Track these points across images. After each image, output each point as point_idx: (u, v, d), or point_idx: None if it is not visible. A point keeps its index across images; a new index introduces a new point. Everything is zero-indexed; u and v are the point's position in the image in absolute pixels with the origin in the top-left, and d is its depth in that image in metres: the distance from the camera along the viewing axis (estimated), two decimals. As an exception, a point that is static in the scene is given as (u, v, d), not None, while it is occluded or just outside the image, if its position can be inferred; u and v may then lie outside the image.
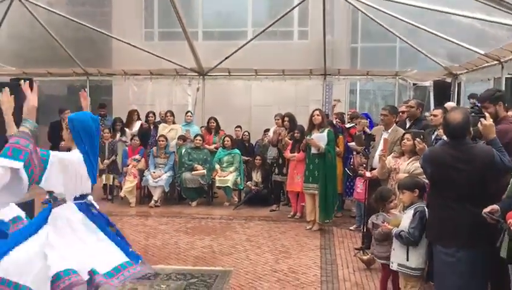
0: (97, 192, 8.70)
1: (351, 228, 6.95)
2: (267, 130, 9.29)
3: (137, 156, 8.81)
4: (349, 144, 7.58)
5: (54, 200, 3.07)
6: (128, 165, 8.71)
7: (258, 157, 8.65)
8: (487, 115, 3.52)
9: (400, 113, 6.41)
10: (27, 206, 4.42)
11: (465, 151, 3.33)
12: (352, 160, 7.25)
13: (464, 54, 8.07)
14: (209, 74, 10.76)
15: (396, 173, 4.99)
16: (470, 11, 6.43)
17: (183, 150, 8.80)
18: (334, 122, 7.99)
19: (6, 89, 3.03)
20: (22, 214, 3.68)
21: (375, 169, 5.60)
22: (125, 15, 13.35)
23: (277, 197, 8.39)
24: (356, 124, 7.60)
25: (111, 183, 8.92)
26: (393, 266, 3.97)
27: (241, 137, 9.56)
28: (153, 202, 8.45)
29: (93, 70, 11.08)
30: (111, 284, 2.94)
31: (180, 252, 5.87)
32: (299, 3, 9.16)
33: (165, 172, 8.63)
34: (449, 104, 6.48)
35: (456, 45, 7.72)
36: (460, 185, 3.29)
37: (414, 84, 10.27)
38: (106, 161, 8.69)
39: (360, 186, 6.60)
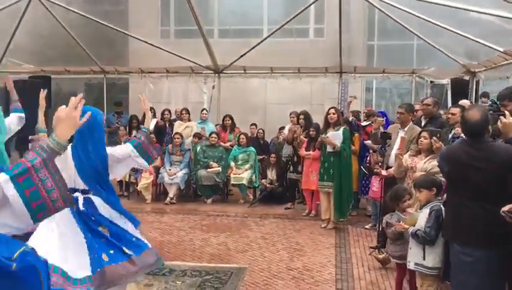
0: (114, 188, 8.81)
1: (367, 226, 6.91)
2: (282, 128, 9.29)
3: (153, 154, 8.86)
4: (365, 142, 7.54)
5: None
6: (144, 162, 8.75)
7: (273, 155, 8.65)
8: (507, 113, 3.46)
9: (415, 112, 6.35)
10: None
11: (484, 150, 3.28)
12: (368, 158, 7.21)
13: (483, 51, 7.97)
14: (224, 72, 10.79)
15: (413, 172, 4.95)
16: (489, 8, 6.34)
17: (199, 148, 8.84)
18: (350, 119, 7.94)
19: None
20: None
21: (391, 167, 5.56)
22: (142, 13, 13.44)
23: (292, 195, 8.38)
24: (372, 122, 7.56)
25: (127, 180, 9.01)
26: (410, 265, 3.94)
27: (256, 135, 9.56)
28: (168, 199, 8.50)
29: (110, 68, 11.19)
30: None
31: (195, 249, 5.91)
32: (315, 1, 9.12)
33: (181, 169, 8.68)
34: (464, 102, 6.40)
35: (474, 42, 7.62)
36: (478, 184, 3.25)
37: (431, 82, 10.17)
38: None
39: (375, 184, 6.56)
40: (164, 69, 10.89)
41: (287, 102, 11.12)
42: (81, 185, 3.28)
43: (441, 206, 3.77)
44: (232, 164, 8.76)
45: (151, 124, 9.45)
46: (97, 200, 3.31)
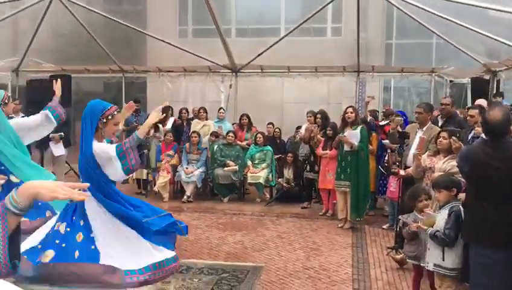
0: (131, 186, 8.92)
1: (384, 226, 6.86)
2: (298, 127, 9.27)
3: (170, 152, 8.94)
4: (383, 141, 7.48)
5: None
6: (161, 161, 8.85)
7: (290, 155, 8.64)
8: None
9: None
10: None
11: (505, 150, 3.24)
12: (386, 158, 7.15)
13: (504, 50, 7.85)
14: (241, 71, 10.82)
15: (431, 172, 4.90)
16: (510, 7, 6.24)
17: (216, 147, 8.88)
18: (368, 119, 7.89)
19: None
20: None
21: (409, 167, 5.52)
22: (160, 13, 13.56)
23: (308, 194, 8.36)
24: (390, 122, 7.50)
25: (144, 178, 9.09)
26: (429, 266, 3.91)
27: (272, 134, 9.56)
28: (185, 197, 8.56)
29: (129, 67, 11.30)
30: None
31: (212, 247, 5.94)
32: (333, 0, 9.08)
33: (198, 168, 8.73)
34: (480, 102, 6.32)
35: (495, 41, 7.51)
36: (498, 185, 3.21)
37: (451, 81, 10.05)
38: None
39: (393, 184, 6.51)
40: (182, 68, 10.96)
41: (304, 101, 11.11)
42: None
43: (460, 207, 3.73)
44: (249, 162, 8.78)
45: (168, 122, 9.60)
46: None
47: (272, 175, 8.71)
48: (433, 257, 3.86)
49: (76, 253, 3.16)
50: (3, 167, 3.86)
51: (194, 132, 8.97)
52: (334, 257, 5.61)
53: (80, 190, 1.58)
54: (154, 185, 8.82)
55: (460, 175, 3.90)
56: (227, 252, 5.77)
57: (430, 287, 4.22)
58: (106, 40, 10.45)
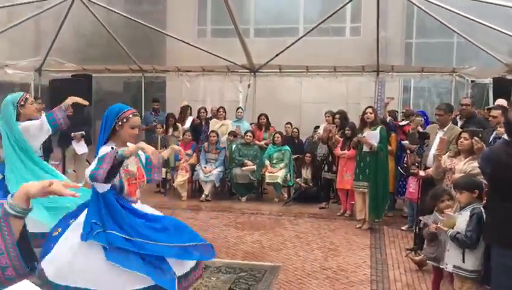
0: (150, 185, 8.99)
1: (403, 228, 6.80)
2: (317, 128, 9.25)
3: (189, 151, 9.00)
4: (402, 142, 7.41)
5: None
6: (180, 160, 8.91)
7: (308, 155, 8.63)
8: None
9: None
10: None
11: (527, 151, 3.18)
12: (405, 159, 7.09)
13: (528, 49, 7.70)
14: (260, 71, 10.82)
15: (451, 173, 4.85)
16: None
17: (234, 146, 8.91)
18: (388, 120, 7.82)
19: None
20: None
21: (429, 168, 5.46)
22: (179, 13, 13.65)
23: (326, 194, 8.33)
24: (411, 122, 7.43)
25: (163, 177, 9.17)
26: (448, 268, 3.86)
27: (291, 134, 9.55)
28: (203, 196, 8.61)
29: (148, 67, 11.40)
30: None
31: (229, 246, 5.96)
32: (352, -1, 9.04)
33: (216, 167, 8.77)
34: (500, 101, 6.22)
35: (518, 41, 7.38)
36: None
37: (472, 81, 9.90)
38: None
39: (412, 185, 6.45)
40: (200, 68, 11.01)
41: (322, 101, 11.06)
42: None
43: (482, 209, 3.68)
44: (267, 162, 8.79)
45: (187, 122, 9.65)
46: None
47: (290, 175, 8.70)
48: (453, 259, 3.81)
49: None
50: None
51: (212, 131, 9.02)
52: (352, 258, 5.58)
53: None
54: (173, 184, 8.89)
55: (481, 176, 3.84)
56: (245, 251, 5.79)
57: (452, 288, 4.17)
58: (126, 40, 10.56)
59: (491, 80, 9.23)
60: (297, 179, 8.70)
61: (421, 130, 6.57)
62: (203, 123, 9.73)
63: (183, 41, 10.33)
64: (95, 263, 3.04)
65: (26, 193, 1.57)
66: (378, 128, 6.69)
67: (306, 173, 8.61)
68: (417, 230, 5.62)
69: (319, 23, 9.52)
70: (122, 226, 3.15)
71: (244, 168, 8.64)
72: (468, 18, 7.67)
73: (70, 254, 3.08)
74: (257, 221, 7.32)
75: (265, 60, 10.34)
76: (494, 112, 5.42)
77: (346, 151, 7.33)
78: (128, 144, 3.35)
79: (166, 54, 13.25)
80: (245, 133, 9.02)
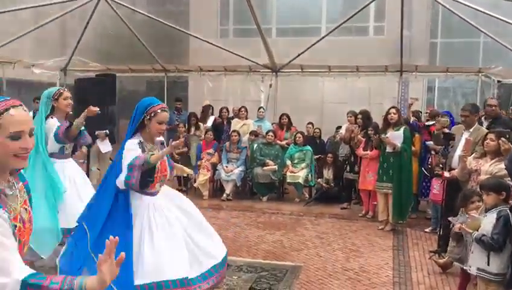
0: (171, 183, 9.07)
1: (426, 230, 6.70)
2: (338, 128, 9.18)
3: (210, 150, 9.05)
4: (426, 142, 7.31)
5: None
6: (202, 159, 8.97)
7: (330, 155, 8.57)
8: None
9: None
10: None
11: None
12: (429, 160, 6.98)
13: (557, 49, 7.51)
14: (282, 71, 10.80)
15: (477, 175, 4.75)
16: None
17: (255, 146, 8.92)
18: (411, 120, 7.72)
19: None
20: None
21: (453, 169, 5.37)
22: (202, 13, 13.74)
23: (348, 195, 8.27)
24: (436, 123, 7.31)
25: (185, 176, 9.24)
26: (472, 270, 3.80)
27: (312, 134, 9.51)
28: (225, 195, 8.64)
29: (171, 66, 11.48)
30: None
31: (251, 246, 5.97)
32: (376, -2, 8.95)
33: (237, 167, 8.79)
34: None
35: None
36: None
37: (498, 81, 9.69)
38: (177, 151, 9.01)
39: (436, 187, 6.36)
40: (223, 68, 11.05)
41: (344, 101, 10.98)
42: None
43: (508, 211, 3.61)
44: (288, 162, 8.77)
45: (209, 121, 9.71)
46: None
47: (311, 175, 8.66)
48: (477, 261, 3.74)
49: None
50: None
51: (234, 130, 9.04)
52: (374, 259, 5.53)
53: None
54: (195, 183, 8.95)
55: (508, 178, 3.77)
56: (266, 250, 5.78)
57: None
58: (149, 40, 10.67)
59: (518, 80, 9.04)
60: (319, 180, 8.66)
61: (446, 130, 6.46)
62: (225, 123, 9.77)
63: (206, 41, 10.38)
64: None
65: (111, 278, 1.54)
66: (402, 129, 6.61)
67: (327, 173, 8.56)
68: (441, 232, 5.54)
69: (342, 22, 9.45)
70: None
71: (265, 167, 8.64)
72: (495, 17, 7.52)
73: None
74: (278, 221, 7.31)
75: (287, 59, 10.32)
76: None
77: (368, 152, 7.27)
78: (156, 139, 3.39)
79: (189, 54, 13.36)
80: (266, 132, 9.02)
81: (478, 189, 4.15)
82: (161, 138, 3.59)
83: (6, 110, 1.51)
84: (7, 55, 9.93)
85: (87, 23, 9.83)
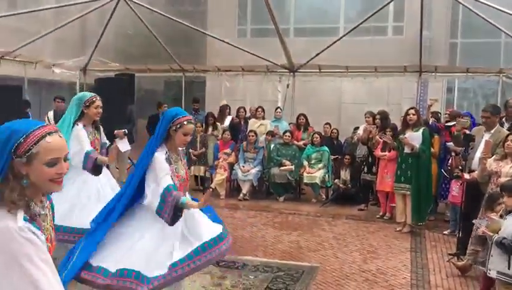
0: (190, 183, 9.13)
1: (445, 232, 6.62)
2: (356, 128, 9.13)
3: (227, 150, 9.08)
4: (447, 143, 7.21)
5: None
6: (219, 159, 9.00)
7: (347, 157, 8.52)
8: None
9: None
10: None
11: None
12: (450, 161, 6.89)
13: None
14: (299, 71, 10.77)
15: (497, 177, 4.69)
16: None
17: (272, 146, 8.92)
18: (430, 121, 7.63)
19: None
20: None
21: (473, 171, 5.30)
22: (220, 13, 13.79)
23: (365, 196, 8.22)
24: (456, 123, 7.21)
25: (202, 175, 9.30)
26: (492, 274, 3.75)
27: (329, 134, 9.47)
28: (241, 195, 8.66)
29: (189, 66, 11.55)
30: None
31: (267, 246, 5.97)
32: (395, -2, 8.88)
33: (254, 166, 8.80)
34: None
35: None
36: None
37: (520, 81, 9.53)
38: (194, 152, 9.08)
39: (455, 189, 6.28)
40: (240, 68, 11.07)
41: (362, 102, 10.92)
42: None
43: (530, 213, 3.55)
44: (305, 162, 8.75)
45: (226, 121, 9.74)
46: None
47: (328, 176, 8.63)
48: (497, 264, 3.70)
49: None
50: None
51: (251, 130, 9.05)
52: (392, 261, 5.48)
53: None
54: (211, 182, 8.99)
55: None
56: (283, 251, 5.78)
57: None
58: (167, 40, 10.75)
59: (541, 80, 8.88)
60: (336, 180, 8.62)
61: (466, 132, 6.37)
62: (242, 122, 9.78)
63: (224, 41, 10.41)
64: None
65: None
66: (421, 130, 6.54)
67: (345, 174, 8.52)
68: (460, 234, 5.47)
69: (361, 22, 9.38)
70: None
71: (282, 168, 8.64)
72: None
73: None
74: (295, 221, 7.30)
75: (305, 59, 10.29)
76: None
77: (386, 153, 7.21)
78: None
79: (207, 54, 13.42)
80: (284, 133, 9.01)
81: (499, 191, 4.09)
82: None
83: (43, 137, 1.55)
84: (29, 55, 10.10)
85: (107, 23, 9.95)
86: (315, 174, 8.53)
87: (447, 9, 12.63)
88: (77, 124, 4.36)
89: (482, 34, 11.51)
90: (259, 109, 9.58)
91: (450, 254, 5.53)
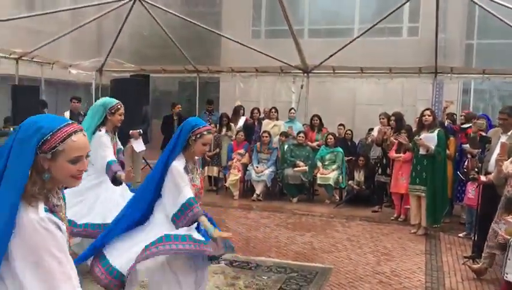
0: (203, 183, 9.17)
1: (460, 235, 6.56)
2: (370, 130, 9.09)
3: (241, 151, 9.10)
4: (463, 145, 7.14)
5: None
6: (232, 159, 9.03)
7: (361, 158, 8.48)
8: None
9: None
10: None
11: None
12: (466, 163, 6.82)
13: None
14: (313, 72, 10.76)
15: (514, 179, 4.63)
16: None
17: (286, 147, 8.92)
18: (446, 123, 7.56)
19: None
20: None
21: (490, 173, 5.24)
22: (234, 14, 13.83)
23: (380, 198, 8.17)
24: (472, 125, 7.14)
25: (215, 175, 9.33)
26: (509, 277, 3.71)
27: (343, 135, 9.44)
28: (255, 195, 8.67)
29: (203, 67, 11.60)
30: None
31: (280, 246, 5.97)
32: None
33: (268, 167, 8.81)
34: None
35: None
36: None
37: (538, 83, 9.40)
38: (208, 153, 9.11)
39: (471, 191, 6.21)
40: (254, 69, 11.09)
41: (376, 103, 10.86)
42: None
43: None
44: (319, 163, 8.73)
45: (240, 121, 9.76)
46: None
47: (342, 177, 8.60)
48: (515, 269, 3.65)
49: None
50: None
51: (265, 131, 9.06)
52: (406, 263, 5.45)
53: None
54: (225, 183, 9.02)
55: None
56: (296, 252, 5.78)
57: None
58: (182, 41, 10.81)
59: (560, 82, 8.74)
60: (350, 182, 8.59)
61: (482, 134, 6.30)
62: (256, 123, 9.80)
63: (238, 42, 10.44)
64: None
65: None
66: (436, 131, 6.49)
67: (359, 175, 8.48)
68: (476, 237, 5.42)
69: (376, 23, 9.33)
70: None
71: (295, 168, 8.63)
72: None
73: None
74: (308, 222, 7.29)
75: (319, 60, 10.26)
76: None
77: (401, 155, 7.17)
78: None
79: (221, 55, 13.46)
80: (297, 133, 9.00)
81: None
82: None
83: (69, 135, 1.60)
84: (46, 56, 10.24)
85: (123, 24, 10.04)
86: (329, 175, 8.51)
87: (463, 10, 12.51)
88: (100, 130, 4.40)
89: (499, 35, 11.35)
90: (273, 110, 9.59)
91: (465, 257, 5.48)
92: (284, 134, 9.12)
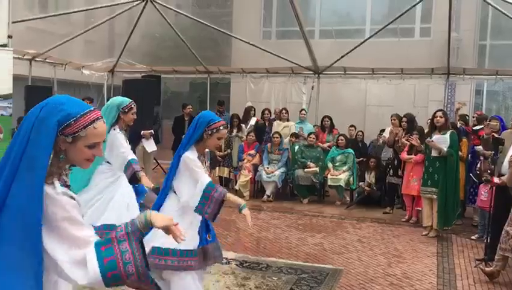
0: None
1: (473, 237, 6.50)
2: (382, 131, 9.04)
3: (252, 152, 9.10)
4: (475, 147, 7.08)
5: None
6: (243, 160, 9.04)
7: (372, 160, 8.44)
8: None
9: None
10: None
11: None
12: (479, 165, 6.75)
13: None
14: (324, 73, 10.74)
15: (528, 181, 4.58)
16: None
17: (297, 147, 8.91)
18: (458, 125, 7.50)
19: None
20: None
21: (503, 175, 5.19)
22: (245, 15, 13.83)
23: (391, 199, 8.13)
24: (484, 127, 7.08)
25: (226, 176, 9.34)
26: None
27: (354, 137, 9.41)
28: (265, 196, 8.67)
29: (214, 68, 11.63)
30: None
31: (291, 247, 5.97)
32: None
33: (278, 168, 8.80)
34: None
35: None
36: None
37: (552, 85, 9.28)
38: (220, 153, 9.13)
39: (484, 193, 6.15)
40: (265, 70, 11.09)
41: (388, 104, 10.79)
42: None
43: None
44: (330, 165, 8.71)
45: (250, 122, 9.77)
46: None
47: (353, 178, 8.57)
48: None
49: None
50: None
51: (276, 132, 9.06)
52: (417, 265, 5.41)
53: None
54: (236, 183, 9.03)
55: None
56: (307, 253, 5.77)
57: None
58: (193, 42, 10.85)
59: None
60: (361, 183, 8.56)
61: (495, 135, 6.24)
62: (267, 124, 9.80)
63: (249, 43, 10.45)
64: None
65: (151, 222, 1.78)
66: (448, 133, 6.44)
67: (370, 177, 8.45)
68: (488, 240, 5.36)
69: (387, 24, 9.29)
70: None
71: (306, 170, 8.62)
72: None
73: None
74: (319, 223, 7.28)
75: (330, 61, 10.24)
76: None
77: (413, 156, 7.13)
78: None
79: (232, 56, 13.48)
80: (308, 134, 8.99)
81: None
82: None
83: (92, 122, 1.66)
84: (58, 57, 10.33)
85: (135, 26, 10.11)
86: (339, 176, 8.49)
87: (476, 11, 12.39)
88: (114, 129, 4.44)
89: (512, 36, 11.26)
90: (284, 111, 9.59)
91: (477, 260, 5.44)
92: (295, 135, 9.11)
